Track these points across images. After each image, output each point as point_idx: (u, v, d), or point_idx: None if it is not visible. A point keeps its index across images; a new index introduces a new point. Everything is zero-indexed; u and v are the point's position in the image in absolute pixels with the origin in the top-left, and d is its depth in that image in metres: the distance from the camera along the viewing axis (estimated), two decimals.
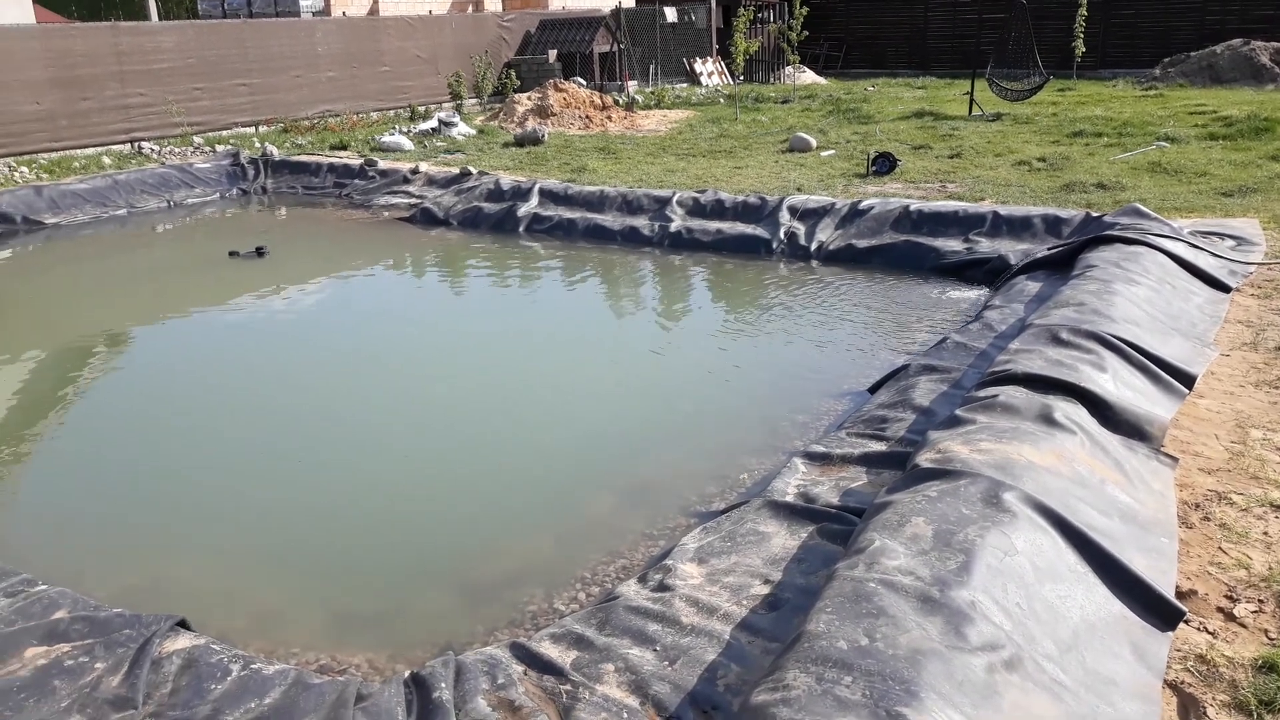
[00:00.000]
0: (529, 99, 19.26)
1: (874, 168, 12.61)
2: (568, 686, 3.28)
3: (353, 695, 3.20)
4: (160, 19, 21.67)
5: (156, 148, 16.27)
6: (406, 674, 3.37)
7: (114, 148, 16.11)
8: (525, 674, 3.34)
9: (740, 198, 10.85)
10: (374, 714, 3.10)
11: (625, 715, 3.11)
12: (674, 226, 10.58)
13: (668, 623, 3.63)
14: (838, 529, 4.25)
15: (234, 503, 5.34)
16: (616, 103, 19.83)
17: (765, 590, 3.86)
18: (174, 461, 5.86)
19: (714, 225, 10.50)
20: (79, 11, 35.66)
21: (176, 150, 16.29)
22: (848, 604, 3.17)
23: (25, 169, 14.46)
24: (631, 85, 23.22)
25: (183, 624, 3.70)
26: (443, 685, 3.22)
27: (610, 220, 11.06)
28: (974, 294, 8.38)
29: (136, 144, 16.34)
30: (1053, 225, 9.07)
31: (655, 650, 3.47)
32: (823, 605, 3.21)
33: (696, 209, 10.85)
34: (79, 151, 15.68)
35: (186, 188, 14.43)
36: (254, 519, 5.16)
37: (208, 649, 3.52)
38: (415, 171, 13.76)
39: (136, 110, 16.48)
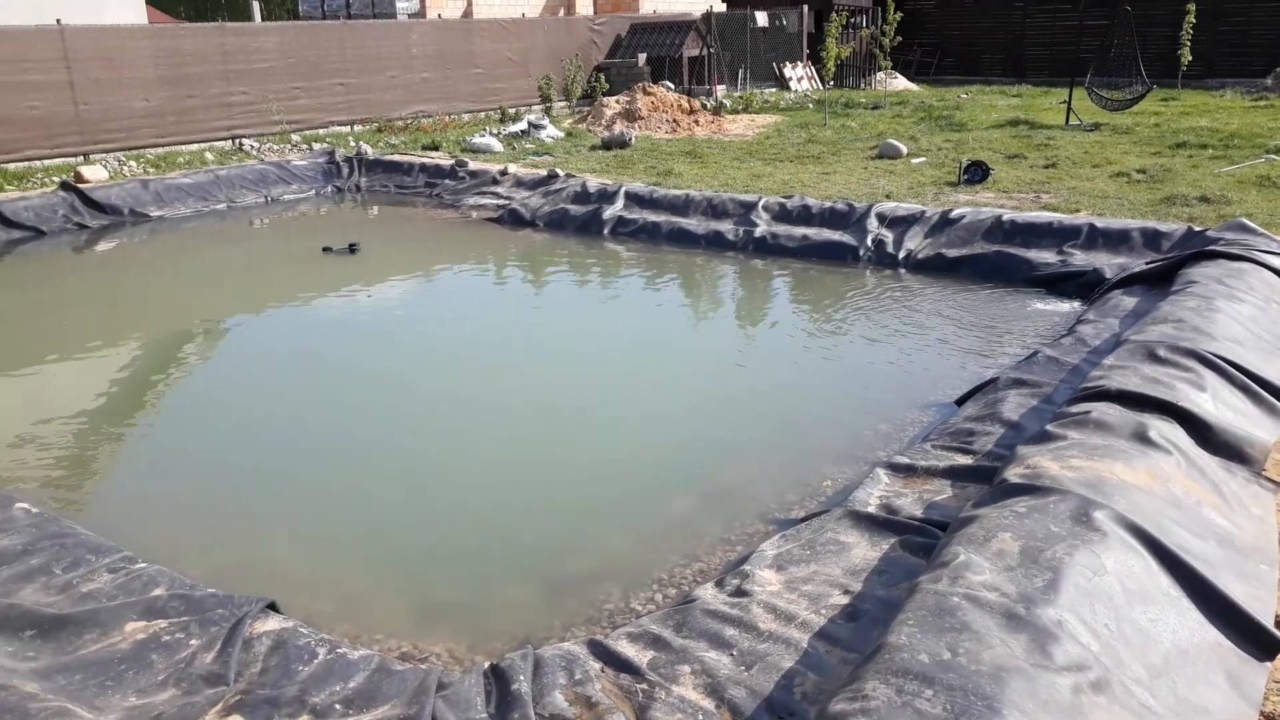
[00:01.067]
0: (617, 102, 19.39)
1: (966, 176, 12.39)
2: (644, 686, 3.30)
3: (434, 683, 3.27)
4: (263, 19, 22.44)
5: (256, 144, 16.81)
6: (486, 665, 3.43)
7: (216, 144, 16.70)
8: (602, 671, 3.38)
9: (827, 204, 10.77)
10: (454, 702, 3.17)
11: (700, 717, 3.12)
12: (759, 231, 10.54)
13: (745, 628, 3.64)
14: (920, 542, 4.20)
15: (322, 491, 5.49)
16: (704, 107, 19.84)
17: (844, 600, 3.83)
18: (265, 448, 6.06)
19: (800, 231, 10.44)
20: (186, 12, 37.06)
21: (275, 147, 16.80)
22: (930, 617, 3.13)
23: (134, 163, 15.07)
24: (720, 89, 23.20)
25: (272, 606, 3.83)
26: (521, 678, 3.27)
27: (695, 224, 11.07)
28: (1067, 308, 8.18)
29: (238, 140, 16.91)
30: (1152, 239, 8.80)
31: (732, 654, 3.48)
32: (904, 618, 3.18)
33: (782, 214, 10.80)
34: (184, 147, 16.28)
35: (284, 184, 14.88)
36: (341, 507, 5.30)
37: (296, 631, 3.64)
38: (504, 173, 13.96)
39: (239, 108, 17.05)
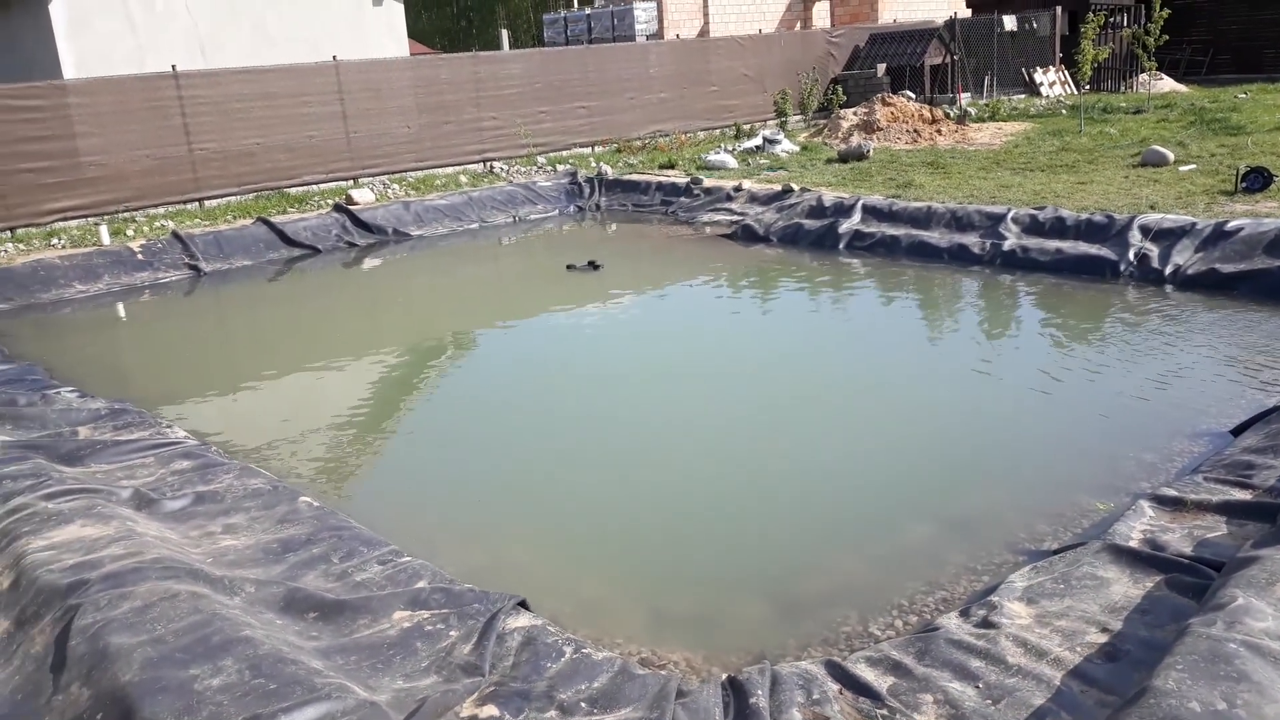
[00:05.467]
0: (854, 114, 19.15)
1: (1244, 184, 11.37)
2: (883, 711, 3.27)
3: (673, 690, 3.37)
4: (510, 47, 23.80)
5: (505, 166, 17.82)
6: (724, 677, 3.50)
7: (469, 167, 17.83)
8: (840, 693, 3.37)
9: (1084, 215, 10.19)
10: (693, 711, 3.26)
11: None
12: (1008, 245, 10.12)
13: (992, 660, 3.52)
14: (1189, 581, 3.92)
15: (568, 497, 5.76)
16: (947, 115, 19.25)
17: (1102, 639, 3.64)
18: (512, 455, 6.41)
19: (1053, 244, 9.94)
20: (441, 42, 39.77)
21: (522, 169, 17.75)
22: (1203, 664, 2.93)
23: (396, 186, 16.35)
24: (964, 97, 22.43)
25: (523, 604, 4.07)
26: (759, 692, 3.32)
27: (937, 237, 10.77)
28: None
29: (488, 163, 17.99)
30: None
31: (977, 687, 3.38)
32: (1172, 661, 2.99)
33: (1033, 226, 10.32)
34: (440, 170, 17.49)
35: (529, 204, 15.70)
36: (583, 515, 5.54)
37: (544, 630, 3.85)
38: (738, 189, 14.11)
39: (489, 132, 18.13)
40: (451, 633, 3.88)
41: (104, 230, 13.05)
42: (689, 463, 6.10)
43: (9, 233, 13.43)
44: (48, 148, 13.65)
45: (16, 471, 5.29)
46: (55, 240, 13.17)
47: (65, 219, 13.86)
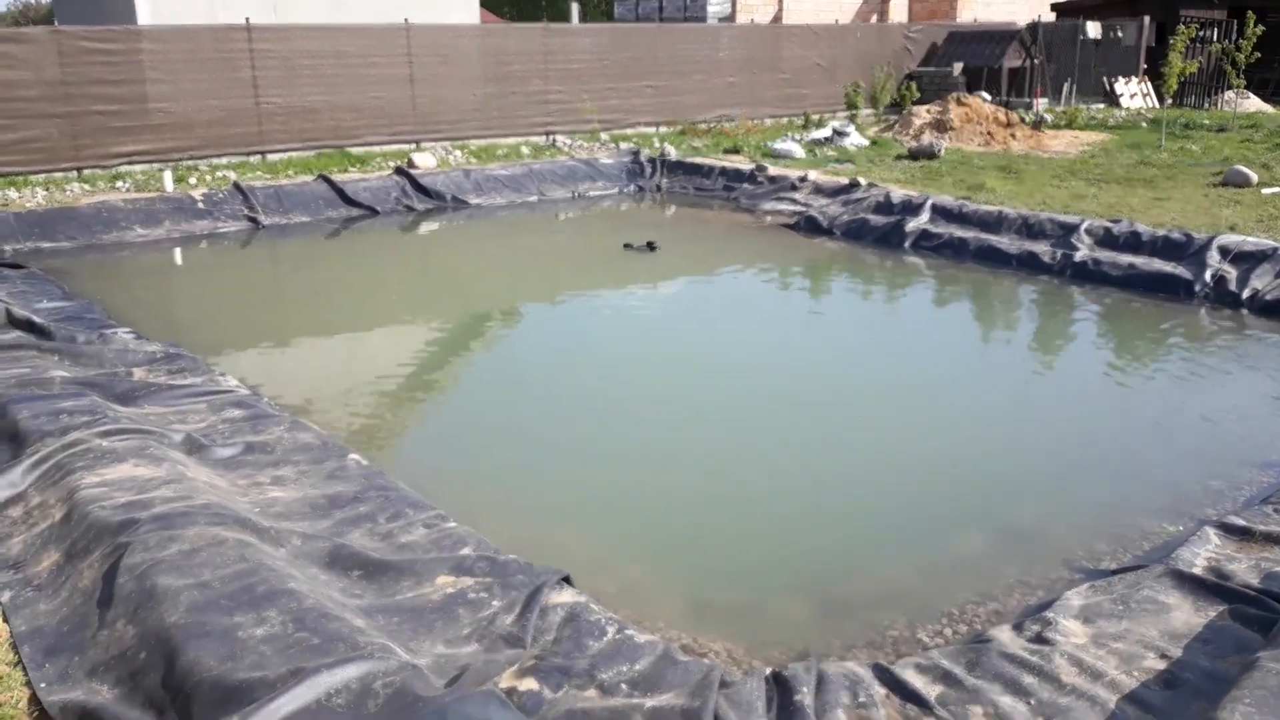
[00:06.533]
0: (927, 112, 18.88)
1: None
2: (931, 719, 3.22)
3: (716, 679, 3.34)
4: (579, 21, 23.77)
5: (568, 141, 17.81)
6: (768, 671, 3.47)
7: (532, 139, 17.85)
8: (888, 698, 3.33)
9: (1161, 232, 9.96)
10: (736, 702, 3.23)
11: None
12: (1079, 256, 9.92)
13: (1045, 678, 3.46)
14: (1255, 614, 3.82)
15: (610, 477, 5.76)
16: (1022, 120, 18.91)
17: (1160, 665, 3.55)
18: (558, 432, 6.41)
19: (1126, 259, 9.72)
20: (510, 12, 39.81)
21: (584, 145, 17.73)
22: (1272, 699, 2.84)
23: (459, 153, 16.41)
24: (1041, 103, 22.03)
25: (566, 579, 4.05)
26: (804, 689, 3.28)
27: (1006, 243, 10.58)
28: None
29: (551, 136, 17.99)
30: None
31: (1029, 703, 3.32)
32: (1239, 695, 2.91)
33: (1107, 239, 10.10)
34: (502, 140, 17.52)
35: (590, 180, 15.68)
36: (627, 497, 5.53)
37: (587, 607, 3.84)
38: (803, 179, 13.98)
39: (554, 105, 18.12)
40: (494, 602, 3.88)
41: (168, 176, 13.25)
42: (736, 454, 6.05)
43: (76, 173, 13.69)
44: (119, 91, 13.88)
45: (74, 407, 5.38)
46: (120, 184, 13.39)
47: (131, 163, 14.10)
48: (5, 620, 3.74)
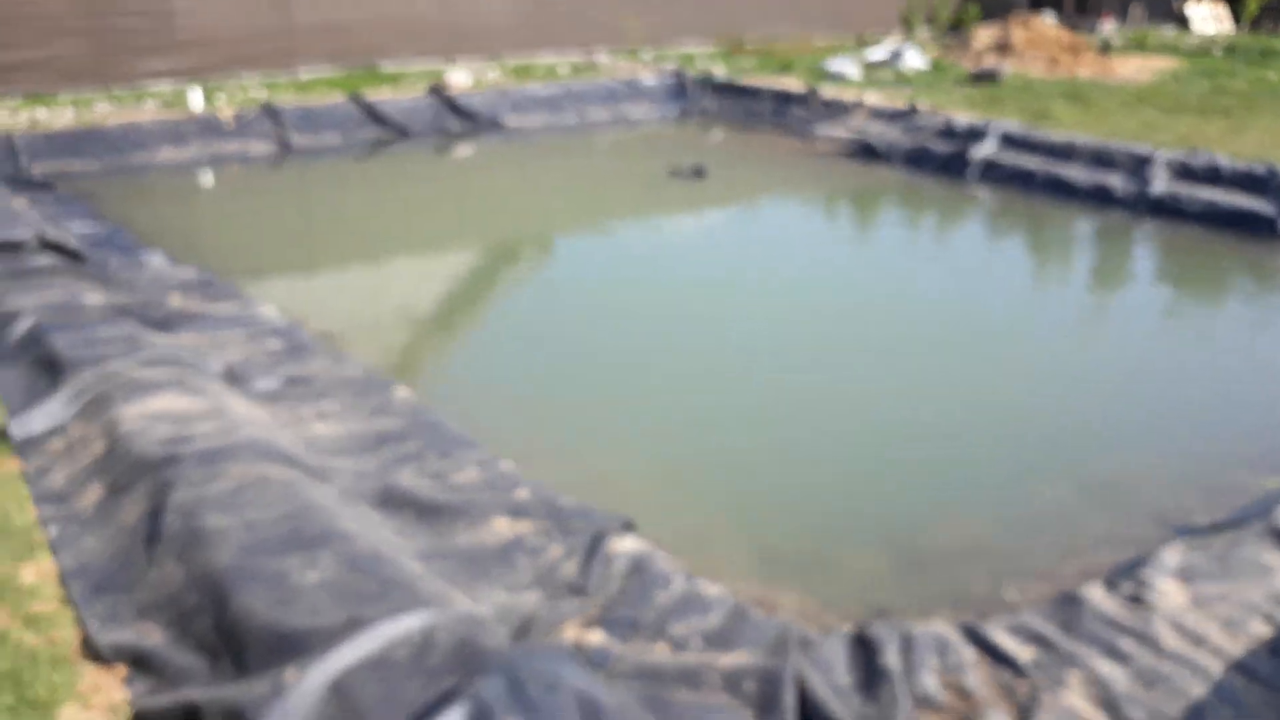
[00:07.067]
0: (988, 34, 18.24)
1: None
2: (1026, 686, 3.09)
3: (794, 639, 3.22)
4: None
5: (609, 61, 17.39)
6: (849, 630, 3.35)
7: (570, 57, 17.44)
8: (979, 660, 3.20)
9: (1243, 165, 9.56)
10: (817, 663, 3.11)
11: None
12: (1154, 190, 9.55)
13: (1144, 641, 3.32)
14: None
15: (666, 416, 5.59)
16: (1089, 44, 18.25)
17: (1267, 631, 3.40)
18: (608, 366, 6.26)
19: (1205, 194, 9.35)
20: None
21: (626, 64, 17.30)
22: None
23: (494, 71, 16.07)
24: (1108, 25, 21.26)
25: (629, 526, 3.93)
26: (890, 651, 3.16)
27: (1076, 175, 10.21)
28: None
29: (591, 55, 17.57)
30: None
31: (1128, 669, 3.18)
32: None
33: (1184, 172, 9.71)
34: (540, 58, 17.14)
35: (631, 102, 15.31)
36: (687, 437, 5.37)
37: (653, 556, 3.72)
38: (858, 103, 13.57)
39: (594, 21, 17.66)
40: (554, 548, 3.77)
41: (196, 95, 13.07)
42: (800, 395, 5.86)
43: (104, 90, 13.53)
44: (145, 6, 13.65)
45: (111, 335, 5.29)
46: (147, 103, 13.23)
47: (158, 79, 13.92)
48: (54, 555, 3.69)
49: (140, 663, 3.08)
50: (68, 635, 3.25)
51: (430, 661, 2.80)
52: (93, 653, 3.17)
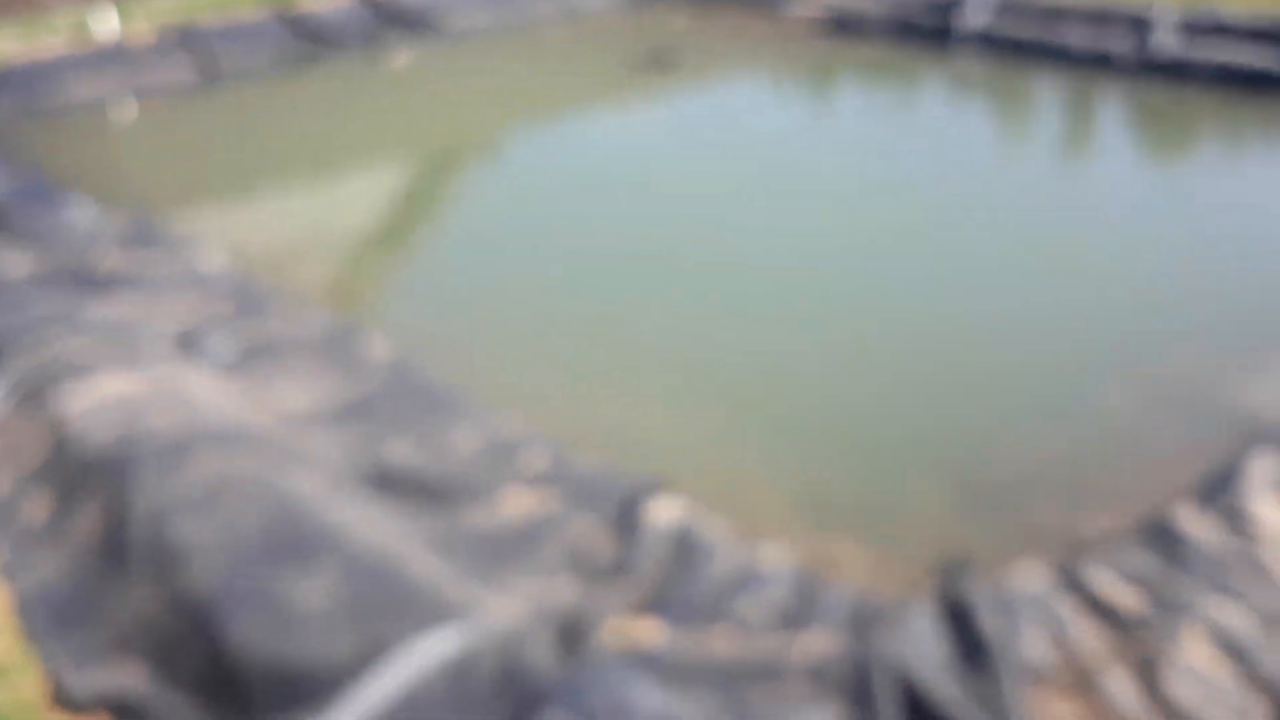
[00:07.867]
0: None
1: None
2: (1140, 640, 2.81)
3: (873, 610, 2.91)
4: None
5: None
6: (935, 593, 3.04)
7: None
8: (1079, 614, 2.91)
9: (1256, 21, 9.12)
10: (905, 639, 2.80)
11: (1231, 699, 2.60)
12: (1156, 51, 9.12)
13: (1257, 575, 3.05)
14: None
15: (679, 339, 5.16)
16: None
17: None
18: (599, 291, 5.77)
19: (1214, 53, 8.94)
20: None
21: None
22: None
23: None
24: None
25: (660, 486, 3.57)
26: (981, 613, 2.86)
27: (1072, 38, 9.75)
28: None
29: None
30: None
31: (1247, 610, 2.90)
32: None
33: (1191, 29, 9.28)
34: None
35: None
36: (705, 362, 4.94)
37: (695, 522, 3.38)
38: None
39: None
40: (579, 520, 3.42)
41: (111, 16, 12.18)
42: (826, 307, 5.43)
43: (6, 22, 12.59)
44: None
45: (42, 311, 4.80)
46: (58, 34, 12.32)
47: (65, 4, 12.96)
48: (7, 581, 3.29)
49: (124, 712, 2.72)
50: (31, 682, 2.87)
51: (472, 692, 2.46)
52: (67, 701, 2.80)
